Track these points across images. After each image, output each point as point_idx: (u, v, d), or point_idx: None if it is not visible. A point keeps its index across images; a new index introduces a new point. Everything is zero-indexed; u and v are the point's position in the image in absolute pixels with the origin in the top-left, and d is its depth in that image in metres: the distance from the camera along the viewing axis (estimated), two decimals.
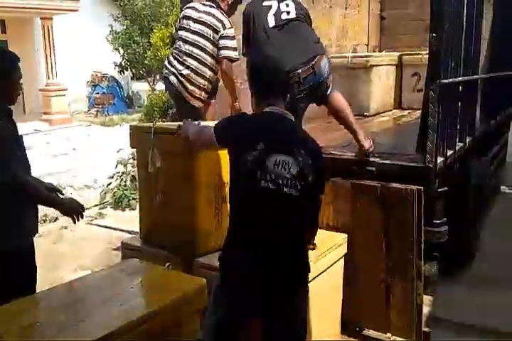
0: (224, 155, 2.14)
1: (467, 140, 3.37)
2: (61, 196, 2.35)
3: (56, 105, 10.61)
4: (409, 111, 5.39)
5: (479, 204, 3.78)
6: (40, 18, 10.85)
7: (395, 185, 2.52)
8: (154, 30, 9.40)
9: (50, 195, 2.23)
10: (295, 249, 1.75)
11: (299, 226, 1.74)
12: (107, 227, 4.68)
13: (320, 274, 2.30)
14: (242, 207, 1.72)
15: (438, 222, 2.84)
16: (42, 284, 2.25)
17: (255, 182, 1.64)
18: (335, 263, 2.47)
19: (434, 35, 2.57)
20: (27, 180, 2.10)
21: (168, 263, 2.06)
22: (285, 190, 1.65)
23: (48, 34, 10.80)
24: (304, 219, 1.77)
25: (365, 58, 5.16)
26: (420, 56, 5.40)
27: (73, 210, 2.17)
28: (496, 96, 4.55)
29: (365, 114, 5.02)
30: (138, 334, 1.61)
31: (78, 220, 2.19)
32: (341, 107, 2.82)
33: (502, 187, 5.70)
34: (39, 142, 8.20)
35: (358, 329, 2.77)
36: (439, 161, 2.68)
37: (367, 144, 2.82)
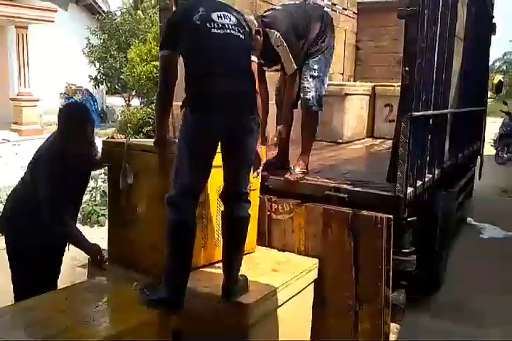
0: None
1: (436, 172, 3.51)
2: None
3: (27, 115, 10.40)
4: (381, 140, 5.56)
5: (446, 235, 3.89)
6: (15, 27, 10.75)
7: (365, 212, 2.58)
8: (132, 47, 9.44)
9: (85, 242, 2.47)
10: (247, 78, 2.12)
11: (248, 60, 2.17)
12: None
13: (290, 299, 2.33)
14: (200, 56, 2.02)
15: (406, 251, 2.92)
16: (5, 300, 2.19)
17: (207, 32, 2.00)
18: (305, 288, 2.50)
19: (406, 69, 2.69)
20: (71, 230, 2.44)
21: (135, 283, 2.05)
22: (232, 32, 2.06)
23: (23, 43, 10.67)
24: (249, 57, 2.19)
25: (340, 86, 5.32)
26: (393, 88, 5.59)
27: (98, 253, 2.47)
28: (465, 130, 4.76)
29: (338, 141, 5.15)
30: None
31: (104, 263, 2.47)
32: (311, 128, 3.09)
33: (468, 218, 5.89)
34: (7, 152, 8.03)
35: None
36: (408, 191, 2.77)
37: (297, 168, 3.00)
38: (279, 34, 2.89)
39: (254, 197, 2.70)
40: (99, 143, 2.67)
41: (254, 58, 2.42)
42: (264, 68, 3.13)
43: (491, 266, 4.39)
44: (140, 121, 7.54)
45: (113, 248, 2.55)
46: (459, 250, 4.59)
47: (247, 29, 2.16)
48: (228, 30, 2.03)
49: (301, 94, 3.08)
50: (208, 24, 2.00)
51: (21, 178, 2.55)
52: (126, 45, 11.01)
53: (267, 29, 2.89)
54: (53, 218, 2.27)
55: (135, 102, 11.80)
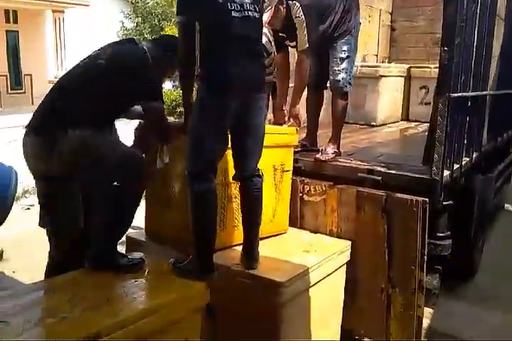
0: (230, 155, 2.22)
1: (473, 155, 3.43)
2: None
3: None
4: (416, 123, 5.45)
5: (482, 220, 3.82)
6: (52, 11, 10.96)
7: (400, 195, 2.56)
8: (166, 29, 9.49)
9: None
10: (260, 57, 2.21)
11: (260, 40, 2.23)
12: None
13: (322, 279, 2.35)
14: (218, 36, 2.05)
15: (442, 235, 2.87)
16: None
17: (227, 14, 2.02)
18: (337, 269, 2.52)
19: (445, 48, 2.63)
20: None
21: (172, 260, 2.11)
22: (249, 13, 2.08)
23: (59, 26, 10.90)
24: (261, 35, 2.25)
25: (374, 68, 5.23)
26: (429, 69, 5.48)
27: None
28: (505, 114, 4.62)
29: (372, 123, 5.08)
30: (139, 327, 1.65)
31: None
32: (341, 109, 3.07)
33: (506, 205, 5.75)
34: None
35: (356, 338, 2.82)
36: (445, 174, 2.73)
37: (329, 149, 2.97)
38: (300, 5, 2.86)
39: (287, 178, 2.72)
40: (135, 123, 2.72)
41: (265, 30, 2.50)
42: (287, 42, 3.10)
43: None
44: (173, 102, 7.61)
45: (150, 225, 2.61)
46: (495, 237, 4.50)
47: (261, 3, 2.18)
48: (246, 13, 2.06)
49: (331, 76, 3.05)
50: (229, 5, 2.02)
51: None
52: (159, 28, 11.09)
53: (289, 1, 2.87)
54: None
55: (167, 85, 11.91)
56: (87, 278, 1.98)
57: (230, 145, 2.19)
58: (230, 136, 2.16)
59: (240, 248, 2.33)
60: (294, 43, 3.03)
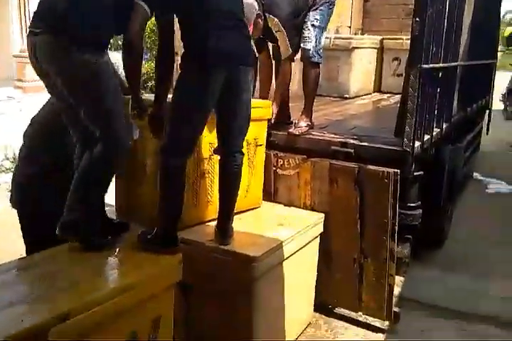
0: (204, 131, 2.14)
1: (444, 126, 3.44)
2: None
3: (30, 72, 10.27)
4: (389, 95, 5.44)
5: (452, 189, 3.87)
6: None
7: (372, 167, 2.54)
8: None
9: None
10: (244, 29, 2.11)
11: (242, 13, 2.11)
12: None
13: (296, 252, 2.35)
14: (200, 9, 1.96)
15: (412, 205, 2.91)
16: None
17: None
18: (310, 242, 2.52)
19: (417, 19, 2.57)
20: None
21: (140, 231, 2.06)
22: None
23: None
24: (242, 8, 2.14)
25: (347, 40, 5.15)
26: (401, 41, 5.43)
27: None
28: (474, 84, 4.63)
29: (345, 96, 5.05)
30: (109, 307, 1.61)
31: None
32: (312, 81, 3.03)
33: (474, 173, 5.85)
34: (12, 109, 8.00)
35: (330, 307, 2.85)
36: (416, 145, 2.72)
37: (301, 122, 2.97)
38: (277, 20, 2.86)
39: (261, 152, 2.67)
40: None
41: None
42: (267, 41, 3.11)
43: (495, 220, 4.40)
44: (145, 75, 7.32)
45: (120, 202, 2.55)
46: (464, 205, 4.59)
47: None
48: None
49: (301, 44, 3.01)
50: None
51: None
52: None
53: (266, 14, 2.85)
54: None
55: None
56: (61, 255, 1.92)
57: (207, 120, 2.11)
58: (216, 111, 2.09)
59: (213, 223, 2.29)
60: (275, 44, 3.05)
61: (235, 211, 2.31)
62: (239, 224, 2.30)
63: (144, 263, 1.87)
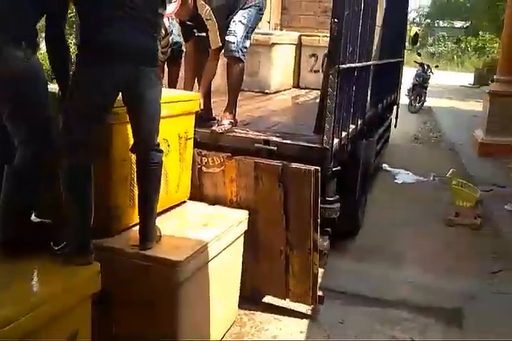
0: None
1: (359, 122, 3.53)
2: None
3: None
4: (307, 90, 5.52)
5: (365, 182, 4.00)
6: None
7: (294, 164, 2.54)
8: None
9: None
10: (149, 28, 1.92)
11: (152, 10, 1.92)
12: None
13: (221, 252, 2.27)
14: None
15: (331, 199, 2.97)
16: None
17: None
18: (235, 240, 2.46)
19: (335, 20, 2.59)
20: None
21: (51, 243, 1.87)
22: None
23: None
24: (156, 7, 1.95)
25: (267, 36, 5.12)
26: (318, 38, 5.51)
27: None
28: (384, 81, 4.81)
29: (265, 91, 5.03)
30: (18, 326, 1.43)
31: None
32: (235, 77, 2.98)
33: (384, 165, 6.12)
34: None
35: (258, 295, 2.84)
36: (334, 142, 2.76)
37: (225, 120, 2.92)
38: (209, 9, 2.79)
39: (190, 145, 2.59)
40: None
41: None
42: (195, 32, 3.03)
43: (403, 208, 4.63)
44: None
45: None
46: (375, 195, 4.78)
47: None
48: None
49: (226, 37, 2.94)
50: None
51: None
52: None
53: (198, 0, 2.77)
54: None
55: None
56: None
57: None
58: (127, 109, 1.97)
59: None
60: (203, 33, 2.96)
61: (167, 206, 2.22)
62: (162, 226, 2.17)
63: (57, 275, 1.69)
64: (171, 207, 2.48)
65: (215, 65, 2.99)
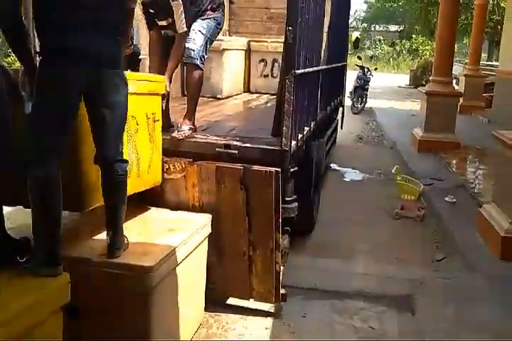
0: None
1: (312, 124, 3.62)
2: None
3: None
4: (257, 94, 5.57)
5: (317, 181, 4.11)
6: None
7: (255, 167, 2.57)
8: None
9: None
10: (110, 30, 1.88)
11: (112, 9, 1.88)
12: None
13: (187, 256, 2.27)
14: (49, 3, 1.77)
15: (289, 199, 3.02)
16: None
17: None
18: (200, 243, 2.46)
19: (289, 28, 2.64)
20: None
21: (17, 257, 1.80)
22: None
23: None
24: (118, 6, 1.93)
25: (218, 41, 5.10)
26: (266, 44, 5.59)
27: None
28: (332, 85, 4.96)
29: (218, 96, 5.03)
30: (3, 335, 1.40)
31: None
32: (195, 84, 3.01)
33: (332, 164, 6.30)
34: None
35: (223, 297, 2.85)
36: (292, 144, 2.82)
37: (184, 126, 2.91)
38: None
39: (158, 128, 2.54)
40: None
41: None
42: (157, 21, 2.94)
43: (353, 204, 4.79)
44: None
45: None
46: (326, 193, 4.90)
47: None
48: None
49: (186, 44, 2.93)
50: None
51: None
52: None
53: None
54: None
55: None
56: None
57: None
58: (88, 119, 1.89)
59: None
60: (163, 22, 2.89)
61: (138, 189, 2.19)
62: (129, 233, 2.14)
63: (26, 289, 1.63)
64: (143, 192, 2.41)
65: (181, 50, 2.93)
